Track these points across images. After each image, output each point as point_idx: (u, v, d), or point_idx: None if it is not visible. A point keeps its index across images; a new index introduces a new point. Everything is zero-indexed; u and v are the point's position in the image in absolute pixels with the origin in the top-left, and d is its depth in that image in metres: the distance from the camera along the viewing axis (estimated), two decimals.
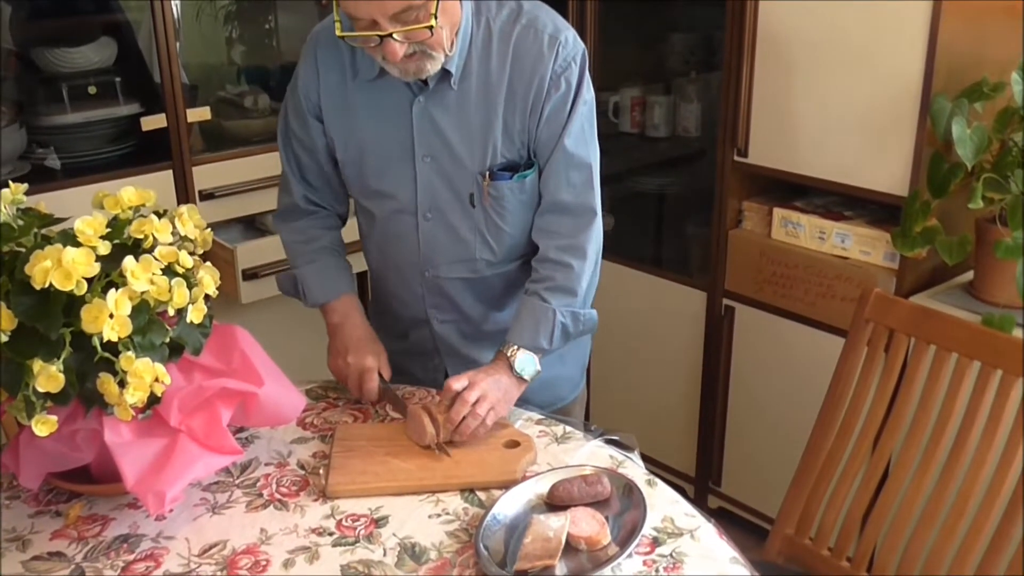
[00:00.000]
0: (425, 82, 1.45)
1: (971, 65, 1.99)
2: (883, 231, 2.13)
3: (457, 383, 1.41)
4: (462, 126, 1.47)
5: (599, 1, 2.59)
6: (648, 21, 2.87)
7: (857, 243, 2.18)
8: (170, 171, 2.30)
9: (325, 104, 1.53)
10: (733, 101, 2.30)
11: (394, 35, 1.30)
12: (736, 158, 2.33)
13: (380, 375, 1.54)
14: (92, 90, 2.31)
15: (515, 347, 1.47)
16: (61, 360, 1.14)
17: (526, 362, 1.47)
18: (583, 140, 1.49)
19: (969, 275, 2.12)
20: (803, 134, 2.20)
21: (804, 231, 2.26)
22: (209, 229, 1.36)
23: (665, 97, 2.81)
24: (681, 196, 2.90)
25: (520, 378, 1.47)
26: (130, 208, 1.27)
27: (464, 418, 1.39)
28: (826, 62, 2.11)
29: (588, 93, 1.50)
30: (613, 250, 2.71)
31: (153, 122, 2.28)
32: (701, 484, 2.67)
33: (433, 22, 1.30)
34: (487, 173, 1.49)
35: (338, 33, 1.34)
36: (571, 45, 1.46)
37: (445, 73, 1.44)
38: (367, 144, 1.52)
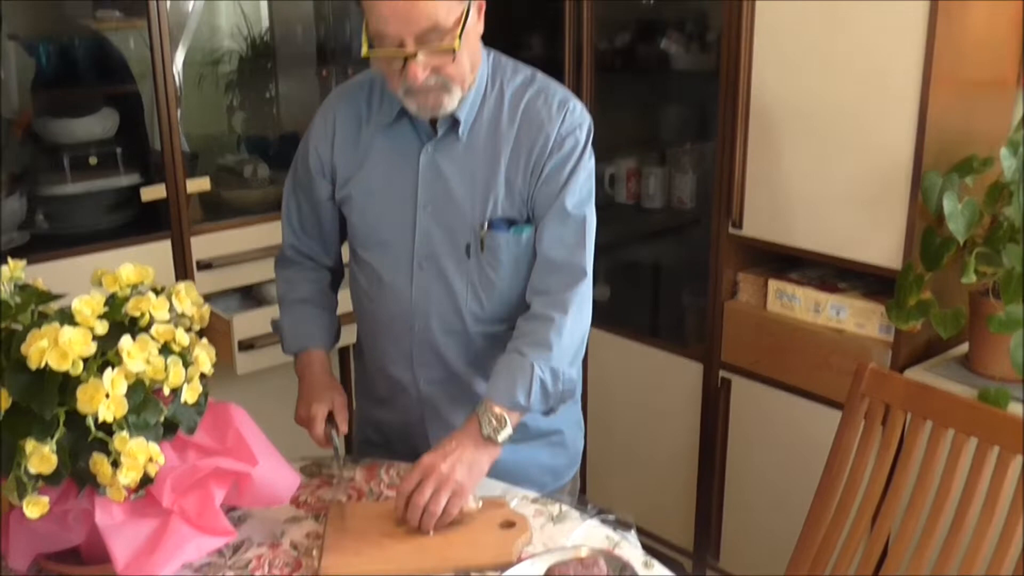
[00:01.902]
0: (435, 130, 1.50)
1: (961, 140, 2.02)
2: (878, 303, 2.14)
3: (407, 483, 1.38)
4: (465, 176, 1.51)
5: (595, 73, 2.63)
6: (643, 92, 2.92)
7: (852, 315, 2.19)
8: (168, 241, 2.31)
9: (339, 157, 1.58)
10: (727, 173, 2.32)
11: (418, 55, 1.35)
12: (731, 229, 2.35)
13: (334, 421, 1.56)
14: (93, 161, 2.34)
15: (490, 405, 1.44)
16: (54, 440, 1.14)
17: (497, 423, 1.42)
18: (581, 202, 1.52)
19: (964, 347, 2.13)
20: (797, 206, 2.22)
21: (799, 303, 2.27)
22: (207, 305, 1.36)
23: (660, 168, 2.84)
24: (676, 266, 2.91)
25: (489, 441, 1.42)
26: (128, 286, 1.28)
27: (422, 516, 1.36)
28: (818, 135, 2.14)
29: (590, 161, 1.54)
30: (609, 320, 2.72)
31: (153, 192, 2.30)
32: (700, 558, 2.64)
33: (457, 44, 1.36)
34: (486, 223, 1.51)
35: (363, 54, 1.39)
36: (578, 113, 1.53)
37: (455, 122, 1.49)
38: (374, 190, 1.56)
